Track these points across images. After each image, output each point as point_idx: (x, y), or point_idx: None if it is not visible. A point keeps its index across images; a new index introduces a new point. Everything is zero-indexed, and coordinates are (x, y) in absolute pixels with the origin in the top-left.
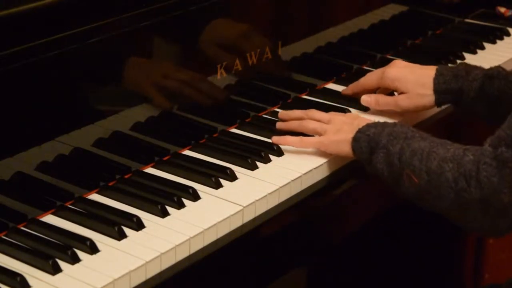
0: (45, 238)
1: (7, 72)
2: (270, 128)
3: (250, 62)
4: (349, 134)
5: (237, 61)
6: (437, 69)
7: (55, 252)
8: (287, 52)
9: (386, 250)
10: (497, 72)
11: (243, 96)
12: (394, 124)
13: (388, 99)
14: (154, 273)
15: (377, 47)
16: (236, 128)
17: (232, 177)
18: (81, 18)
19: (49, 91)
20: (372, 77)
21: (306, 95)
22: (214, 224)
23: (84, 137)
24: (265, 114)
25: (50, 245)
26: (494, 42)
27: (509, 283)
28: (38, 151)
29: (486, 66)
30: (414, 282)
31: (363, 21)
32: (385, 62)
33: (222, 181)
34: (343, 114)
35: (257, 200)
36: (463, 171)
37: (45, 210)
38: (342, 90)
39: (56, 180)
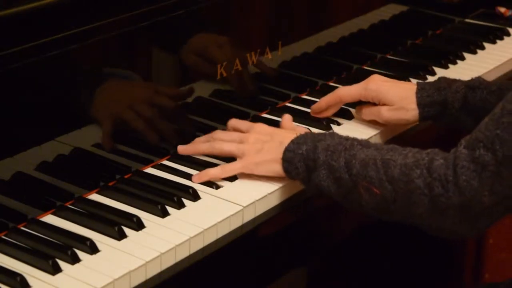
0: (45, 238)
1: (7, 72)
2: None
3: (250, 62)
4: (276, 154)
5: (237, 61)
6: (418, 84)
7: (55, 252)
8: (287, 52)
9: (387, 250)
10: (478, 83)
11: (243, 96)
12: (324, 135)
13: (371, 109)
14: (154, 273)
15: (377, 47)
16: None
17: (232, 177)
18: (81, 18)
19: (49, 91)
20: (351, 91)
21: (306, 95)
22: (214, 224)
23: (84, 137)
24: (265, 114)
25: (50, 245)
26: (494, 42)
27: (508, 283)
28: (38, 151)
29: (487, 66)
30: (415, 281)
31: (363, 21)
32: (385, 62)
33: (222, 181)
34: (249, 127)
35: (257, 200)
36: (437, 176)
37: (45, 210)
38: (312, 107)
39: (56, 180)
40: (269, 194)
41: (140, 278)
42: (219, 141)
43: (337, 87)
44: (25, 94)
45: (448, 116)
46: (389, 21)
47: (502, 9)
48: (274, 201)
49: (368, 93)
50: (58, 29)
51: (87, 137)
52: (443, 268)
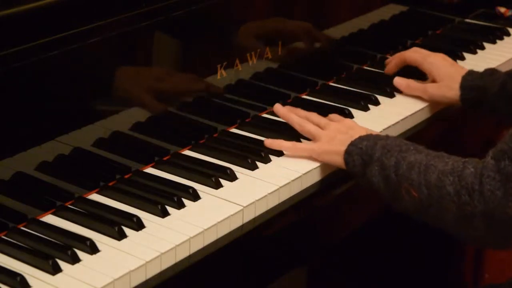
0: (45, 238)
1: (7, 72)
2: (270, 128)
3: (250, 62)
4: (342, 146)
5: (237, 61)
6: (469, 70)
7: (55, 252)
8: (287, 52)
9: (387, 250)
10: None
11: (243, 96)
12: (387, 137)
13: (419, 85)
14: (154, 273)
15: (377, 47)
16: (236, 128)
17: (232, 177)
18: (81, 18)
19: (49, 91)
20: (415, 56)
21: (306, 95)
22: (214, 224)
23: (84, 137)
24: (265, 114)
25: (50, 245)
26: (494, 42)
27: (509, 283)
28: (38, 151)
29: (486, 66)
30: (415, 281)
31: (363, 21)
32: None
33: (222, 181)
34: (339, 120)
35: (257, 200)
36: (465, 184)
37: (45, 210)
38: (386, 70)
39: (56, 180)
40: (269, 194)
41: (140, 278)
42: (306, 120)
43: (337, 87)
44: (25, 94)
45: (487, 102)
46: (389, 21)
47: (502, 9)
48: (274, 201)
49: (425, 61)
50: (58, 29)
51: (87, 137)
52: (443, 268)
